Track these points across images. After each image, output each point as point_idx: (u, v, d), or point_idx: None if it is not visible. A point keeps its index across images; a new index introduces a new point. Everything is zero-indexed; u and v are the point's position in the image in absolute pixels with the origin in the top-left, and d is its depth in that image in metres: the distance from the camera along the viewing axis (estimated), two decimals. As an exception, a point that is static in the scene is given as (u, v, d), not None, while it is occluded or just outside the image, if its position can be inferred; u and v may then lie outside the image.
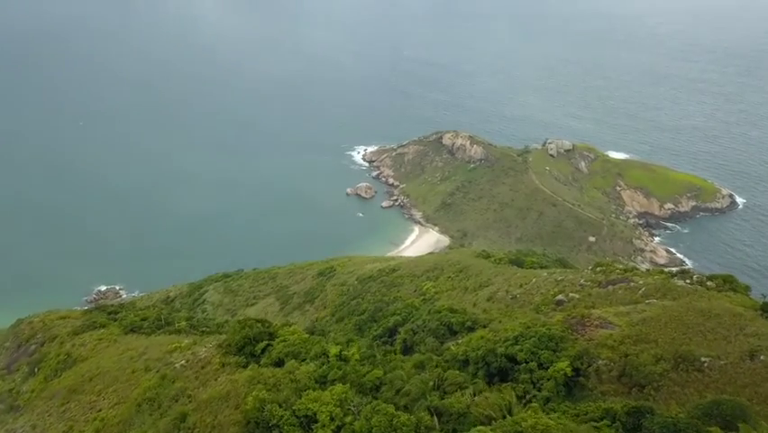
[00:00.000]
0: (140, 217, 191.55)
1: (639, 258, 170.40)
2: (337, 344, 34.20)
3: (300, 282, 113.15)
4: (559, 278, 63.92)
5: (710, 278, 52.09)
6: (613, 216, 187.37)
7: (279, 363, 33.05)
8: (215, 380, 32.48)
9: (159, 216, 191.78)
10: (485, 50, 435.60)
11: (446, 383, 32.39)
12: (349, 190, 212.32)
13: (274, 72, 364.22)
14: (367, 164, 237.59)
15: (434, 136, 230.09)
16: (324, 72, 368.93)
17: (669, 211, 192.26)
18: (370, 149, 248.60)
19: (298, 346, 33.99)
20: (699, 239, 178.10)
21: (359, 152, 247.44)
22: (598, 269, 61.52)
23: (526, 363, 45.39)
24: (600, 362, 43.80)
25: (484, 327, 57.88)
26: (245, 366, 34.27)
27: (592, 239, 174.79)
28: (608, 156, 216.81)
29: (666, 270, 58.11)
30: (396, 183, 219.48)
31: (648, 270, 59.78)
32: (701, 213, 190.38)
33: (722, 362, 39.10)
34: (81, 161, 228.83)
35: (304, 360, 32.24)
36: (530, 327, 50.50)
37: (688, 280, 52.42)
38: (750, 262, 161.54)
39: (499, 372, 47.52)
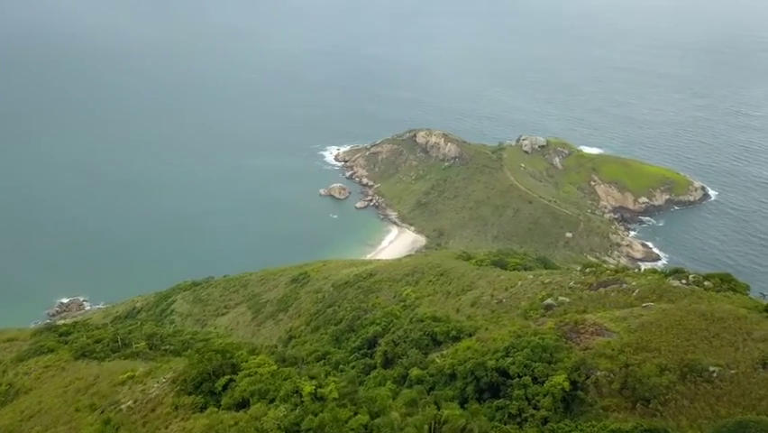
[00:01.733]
0: (105, 224, 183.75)
1: (616, 253, 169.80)
2: (311, 378, 29.71)
3: (273, 290, 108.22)
4: (546, 280, 60.62)
5: (707, 277, 49.33)
6: (589, 211, 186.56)
7: (244, 404, 28.46)
8: (165, 428, 27.84)
9: (124, 223, 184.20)
10: (454, 48, 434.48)
11: (446, 429, 28.03)
12: (322, 191, 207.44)
13: (239, 73, 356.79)
14: (340, 164, 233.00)
15: (408, 135, 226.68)
16: (290, 72, 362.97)
17: (643, 205, 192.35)
18: (343, 149, 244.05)
19: (266, 382, 29.35)
20: (673, 233, 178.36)
21: (331, 153, 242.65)
22: (588, 270, 58.41)
23: (520, 377, 41.81)
24: (599, 373, 40.42)
25: (470, 335, 54.15)
26: (203, 409, 29.47)
27: (569, 235, 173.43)
28: (581, 151, 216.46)
29: (659, 269, 55.29)
30: (370, 183, 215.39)
31: (640, 270, 56.73)
32: (675, 206, 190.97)
33: (732, 371, 36.02)
34: (43, 167, 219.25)
35: (272, 400, 27.67)
36: (521, 337, 46.99)
37: (684, 281, 49.55)
38: (722, 257, 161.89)
39: (490, 387, 43.90)
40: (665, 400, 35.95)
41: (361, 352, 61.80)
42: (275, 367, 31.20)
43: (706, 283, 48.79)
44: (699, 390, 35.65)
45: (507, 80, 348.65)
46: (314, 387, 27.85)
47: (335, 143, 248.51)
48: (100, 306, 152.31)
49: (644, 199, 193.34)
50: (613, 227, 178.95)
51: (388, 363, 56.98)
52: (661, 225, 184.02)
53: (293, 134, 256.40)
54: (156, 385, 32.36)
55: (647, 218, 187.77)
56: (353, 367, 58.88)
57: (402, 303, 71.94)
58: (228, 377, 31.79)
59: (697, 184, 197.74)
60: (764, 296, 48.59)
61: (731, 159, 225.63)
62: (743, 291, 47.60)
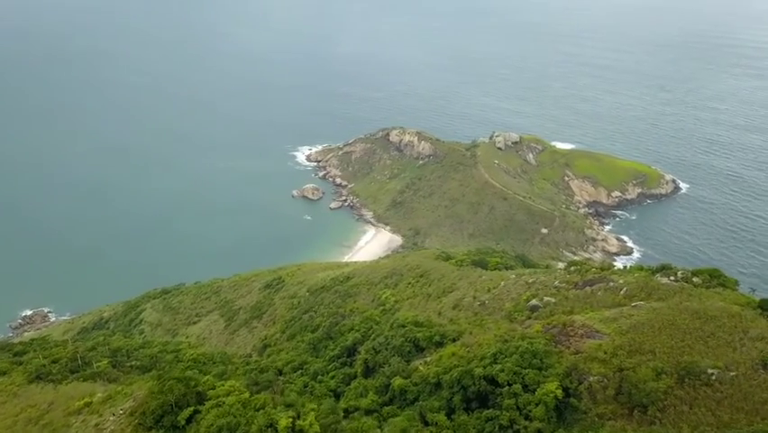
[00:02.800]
0: (69, 231, 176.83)
1: (591, 247, 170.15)
2: (288, 406, 26.74)
3: (246, 296, 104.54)
4: (530, 280, 58.74)
5: (695, 273, 47.98)
6: (563, 206, 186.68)
7: (211, 440, 25.47)
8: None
9: (90, 230, 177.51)
10: (423, 47, 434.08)
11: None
12: (295, 193, 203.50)
13: (206, 76, 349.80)
14: (312, 165, 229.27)
15: (381, 133, 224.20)
16: (257, 73, 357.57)
17: (617, 199, 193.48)
18: (315, 149, 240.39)
19: (237, 414, 26.20)
20: (646, 226, 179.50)
21: (303, 153, 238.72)
22: (573, 268, 56.70)
23: (509, 385, 39.68)
24: (592, 378, 38.52)
25: (454, 340, 51.94)
26: (164, 449, 26.35)
27: (545, 231, 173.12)
28: (555, 147, 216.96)
29: (646, 266, 53.82)
30: (344, 183, 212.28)
31: (626, 267, 55.21)
32: (648, 199, 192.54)
33: (732, 373, 34.43)
34: (5, 171, 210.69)
35: (244, 438, 24.71)
36: (508, 341, 44.90)
37: (672, 277, 48.10)
38: (693, 250, 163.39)
39: (478, 396, 41.68)
40: (664, 407, 34.19)
41: (341, 360, 59.10)
42: (246, 395, 28.07)
43: (694, 279, 47.42)
44: (698, 394, 33.97)
45: (476, 78, 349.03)
46: (290, 419, 24.84)
47: (307, 144, 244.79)
48: (66, 317, 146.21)
49: (617, 194, 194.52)
50: (588, 222, 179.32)
51: (369, 371, 54.43)
52: (634, 218, 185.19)
53: (262, 136, 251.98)
54: (112, 418, 29.07)
55: (621, 212, 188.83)
56: (332, 377, 56.19)
57: (381, 307, 69.44)
58: (193, 408, 28.31)
59: (668, 177, 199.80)
60: (754, 291, 47.29)
61: (699, 152, 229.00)
62: (732, 287, 46.37)
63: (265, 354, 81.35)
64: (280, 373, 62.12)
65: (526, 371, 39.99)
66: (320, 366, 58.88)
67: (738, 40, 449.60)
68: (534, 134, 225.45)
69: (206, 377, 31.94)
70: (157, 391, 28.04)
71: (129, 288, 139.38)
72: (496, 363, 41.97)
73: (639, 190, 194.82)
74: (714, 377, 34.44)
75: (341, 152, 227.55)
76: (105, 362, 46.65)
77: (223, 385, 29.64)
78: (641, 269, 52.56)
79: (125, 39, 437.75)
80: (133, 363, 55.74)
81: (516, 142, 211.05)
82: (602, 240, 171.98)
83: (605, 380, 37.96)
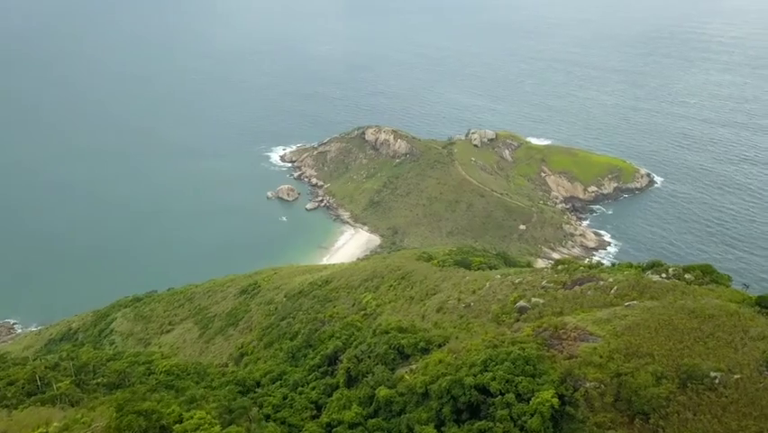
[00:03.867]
0: (34, 238, 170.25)
1: (570, 243, 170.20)
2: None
3: (221, 302, 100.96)
4: (516, 280, 56.79)
5: (687, 269, 46.51)
6: (541, 202, 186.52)
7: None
8: None
9: (57, 237, 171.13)
10: (393, 46, 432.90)
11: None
12: (270, 194, 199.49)
13: (177, 76, 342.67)
14: (287, 165, 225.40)
15: (357, 132, 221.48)
16: (229, 74, 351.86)
17: (593, 194, 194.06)
18: (290, 149, 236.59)
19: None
20: (623, 221, 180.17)
21: (277, 154, 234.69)
22: (560, 267, 54.91)
23: (502, 394, 37.44)
24: (588, 384, 36.49)
25: (440, 346, 49.67)
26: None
27: (523, 227, 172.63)
28: (530, 143, 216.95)
29: (636, 264, 52.28)
30: (319, 183, 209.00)
31: (614, 264, 53.60)
32: (624, 194, 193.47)
33: (736, 376, 32.72)
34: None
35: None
36: (497, 347, 42.77)
37: (664, 275, 46.57)
38: (667, 244, 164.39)
39: (469, 407, 39.41)
40: (666, 414, 32.29)
41: (321, 370, 56.34)
42: (217, 429, 25.14)
43: (686, 276, 45.96)
44: (702, 400, 32.16)
45: (448, 76, 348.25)
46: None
47: (281, 144, 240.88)
48: (33, 329, 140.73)
49: (593, 188, 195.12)
50: (565, 217, 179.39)
51: (351, 381, 51.78)
52: (610, 213, 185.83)
53: (235, 137, 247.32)
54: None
55: (597, 207, 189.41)
56: (313, 388, 53.43)
57: (362, 312, 66.89)
58: (157, 446, 25.34)
59: (643, 171, 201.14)
60: (747, 287, 46.03)
61: (672, 146, 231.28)
62: (725, 283, 45.01)
63: (242, 363, 78.20)
64: (258, 384, 59.19)
65: (519, 378, 37.81)
66: (300, 376, 56.09)
67: (706, 35, 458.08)
68: (510, 131, 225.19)
69: (172, 407, 28.89)
70: (114, 428, 24.97)
71: (99, 296, 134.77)
72: (486, 370, 39.71)
73: (615, 185, 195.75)
74: (717, 381, 32.69)
75: (316, 152, 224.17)
76: (67, 382, 43.14)
77: (191, 418, 26.64)
78: (630, 266, 51.00)
79: (92, 39, 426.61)
80: (99, 380, 52.16)
81: (492, 139, 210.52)
82: (580, 235, 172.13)
83: (602, 386, 35.98)
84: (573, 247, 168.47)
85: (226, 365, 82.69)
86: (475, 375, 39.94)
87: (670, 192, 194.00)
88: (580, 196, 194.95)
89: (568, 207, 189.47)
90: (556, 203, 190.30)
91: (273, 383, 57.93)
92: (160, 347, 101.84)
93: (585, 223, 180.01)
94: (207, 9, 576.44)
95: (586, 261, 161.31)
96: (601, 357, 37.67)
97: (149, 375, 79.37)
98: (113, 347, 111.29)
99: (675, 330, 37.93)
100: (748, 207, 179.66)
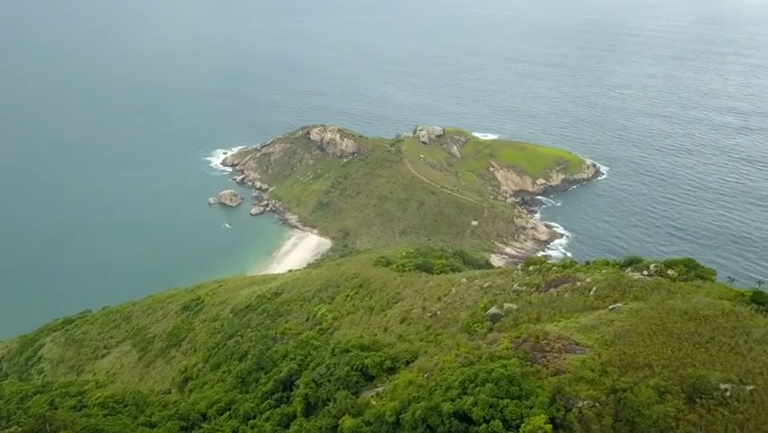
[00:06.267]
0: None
1: (522, 236, 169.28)
2: None
3: (162, 321, 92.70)
4: (484, 284, 52.47)
5: (669, 265, 43.29)
6: (491, 197, 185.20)
7: None
8: None
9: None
10: (329, 43, 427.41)
11: None
12: (211, 200, 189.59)
13: (101, 82, 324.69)
14: (229, 169, 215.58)
15: (301, 132, 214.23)
16: (160, 76, 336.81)
17: (542, 186, 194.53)
18: (231, 152, 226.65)
19: None
20: (572, 212, 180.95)
21: (218, 157, 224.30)
22: (531, 268, 50.94)
23: (486, 421, 32.66)
24: (582, 403, 32.21)
25: (408, 363, 44.62)
26: None
27: (475, 223, 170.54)
28: (477, 138, 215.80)
29: (612, 261, 48.86)
30: (264, 186, 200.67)
31: (589, 262, 50.03)
32: (571, 185, 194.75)
33: (749, 387, 29.12)
34: None
35: None
36: (474, 364, 38.08)
37: (645, 272, 43.15)
38: (615, 233, 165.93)
39: (449, 437, 34.56)
40: (677, 437, 28.37)
41: (275, 397, 50.24)
42: None
43: (669, 272, 42.61)
44: (715, 417, 28.36)
45: (389, 75, 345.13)
46: None
47: (222, 147, 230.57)
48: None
49: (541, 181, 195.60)
50: (516, 211, 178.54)
51: (310, 409, 45.98)
52: (560, 205, 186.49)
53: (170, 144, 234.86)
54: None
55: (546, 199, 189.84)
56: (267, 419, 47.35)
57: (318, 327, 61.08)
58: None
59: (588, 162, 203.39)
60: (732, 281, 43.24)
61: (613, 137, 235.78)
62: (711, 278, 41.93)
63: (186, 388, 70.90)
64: (204, 417, 52.51)
65: (504, 401, 33.12)
66: (251, 406, 49.85)
67: (634, 29, 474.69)
68: (457, 126, 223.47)
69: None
70: None
71: (26, 320, 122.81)
72: (466, 393, 34.89)
73: (563, 176, 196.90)
74: (729, 393, 29.01)
75: (258, 154, 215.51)
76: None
77: None
78: (607, 264, 47.53)
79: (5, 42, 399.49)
80: (13, 429, 44.37)
81: (439, 136, 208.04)
82: (532, 228, 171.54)
83: (597, 405, 31.72)
84: (526, 241, 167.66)
85: (169, 392, 75.13)
86: (453, 400, 35.00)
87: (615, 181, 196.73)
88: (530, 189, 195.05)
89: (518, 200, 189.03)
90: (506, 197, 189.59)
91: (221, 415, 51.48)
92: (94, 374, 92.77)
93: (536, 216, 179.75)
94: (125, 8, 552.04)
95: (538, 254, 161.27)
96: (593, 371, 33.39)
97: (79, 409, 71.20)
98: (41, 377, 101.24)
99: (671, 336, 34.21)
100: (686, 194, 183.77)
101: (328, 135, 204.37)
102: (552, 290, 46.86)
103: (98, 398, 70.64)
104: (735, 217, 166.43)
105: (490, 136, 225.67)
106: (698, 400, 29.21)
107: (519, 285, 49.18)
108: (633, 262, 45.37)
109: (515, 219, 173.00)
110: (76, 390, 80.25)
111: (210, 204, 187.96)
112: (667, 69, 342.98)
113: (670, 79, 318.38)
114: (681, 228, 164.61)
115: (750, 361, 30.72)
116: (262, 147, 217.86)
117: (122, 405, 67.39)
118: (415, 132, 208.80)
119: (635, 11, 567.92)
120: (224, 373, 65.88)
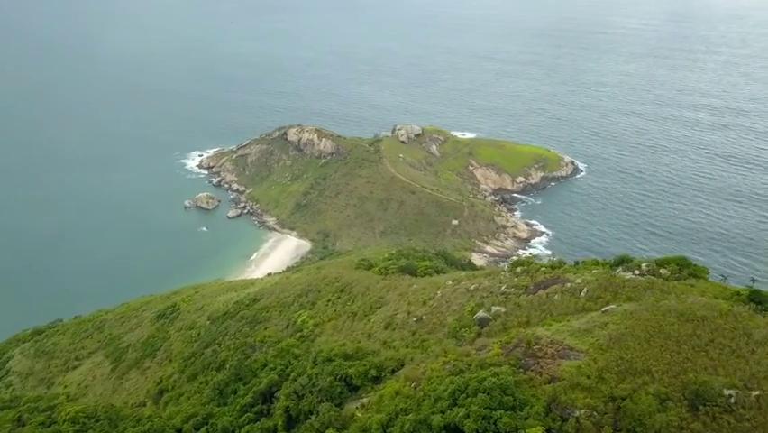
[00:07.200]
0: None
1: (503, 235, 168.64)
2: None
3: (136, 330, 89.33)
4: (471, 286, 50.76)
5: (661, 264, 42.08)
6: (471, 196, 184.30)
7: None
8: None
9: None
10: (303, 44, 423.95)
11: None
12: (187, 203, 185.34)
13: (74, 84, 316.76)
14: (205, 171, 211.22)
15: (278, 133, 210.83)
16: (135, 77, 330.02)
17: (521, 184, 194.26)
18: (207, 154, 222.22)
19: None
20: (551, 209, 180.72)
21: (193, 160, 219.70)
22: (519, 269, 49.36)
23: (480, 435, 31.08)
24: (579, 413, 30.66)
25: (394, 372, 42.71)
26: None
27: (455, 222, 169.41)
28: (456, 137, 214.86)
29: (602, 260, 47.54)
30: (241, 188, 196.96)
31: (578, 262, 48.54)
32: (550, 183, 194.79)
33: (755, 393, 27.78)
34: None
35: None
36: (463, 372, 36.31)
37: (636, 271, 41.84)
38: (595, 231, 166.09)
39: (440, 452, 32.71)
40: (681, 447, 26.89)
41: (255, 410, 47.88)
42: None
43: (662, 271, 41.36)
44: (720, 426, 26.93)
45: (364, 75, 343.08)
46: None
47: (197, 149, 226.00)
48: None
49: (521, 179, 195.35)
50: (496, 210, 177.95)
51: (292, 423, 43.82)
52: (539, 202, 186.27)
53: (145, 146, 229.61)
54: None
55: (526, 197, 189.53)
56: (247, 434, 44.97)
57: (299, 334, 58.77)
58: None
59: (567, 159, 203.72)
60: (725, 279, 42.13)
61: (590, 134, 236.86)
62: (704, 276, 40.76)
63: (161, 401, 68.03)
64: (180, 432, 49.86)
65: (498, 413, 31.37)
66: (229, 420, 47.43)
67: (608, 26, 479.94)
68: (436, 125, 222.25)
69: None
70: None
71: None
72: (457, 405, 33.06)
73: (542, 174, 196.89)
74: (733, 400, 27.64)
75: (235, 156, 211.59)
76: None
77: None
78: (597, 264, 46.19)
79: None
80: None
81: (418, 135, 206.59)
82: (512, 227, 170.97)
83: (595, 414, 30.16)
84: (507, 239, 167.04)
85: (144, 404, 72.09)
86: (443, 412, 33.17)
87: (593, 178, 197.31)
88: (509, 187, 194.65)
89: (497, 198, 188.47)
90: (486, 196, 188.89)
91: (198, 430, 48.91)
92: (65, 387, 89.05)
93: (516, 214, 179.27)
94: (97, 9, 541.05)
95: (519, 252, 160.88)
96: (589, 378, 31.87)
97: (49, 426, 68.06)
98: (9, 391, 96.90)
99: (669, 339, 32.82)
100: (662, 190, 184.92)
101: (306, 136, 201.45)
102: (541, 291, 45.36)
103: (69, 413, 67.39)
104: (711, 214, 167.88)
105: (469, 135, 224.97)
106: (701, 407, 27.81)
107: (507, 287, 47.60)
108: (623, 262, 44.09)
109: (495, 218, 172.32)
110: (45, 404, 76.83)
111: (186, 207, 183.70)
112: (641, 66, 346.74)
113: (644, 77, 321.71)
114: (659, 225, 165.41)
115: (753, 364, 29.43)
116: (239, 148, 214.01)
117: (93, 420, 64.38)
118: (393, 131, 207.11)
119: (608, 9, 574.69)
120: (200, 384, 63.22)
